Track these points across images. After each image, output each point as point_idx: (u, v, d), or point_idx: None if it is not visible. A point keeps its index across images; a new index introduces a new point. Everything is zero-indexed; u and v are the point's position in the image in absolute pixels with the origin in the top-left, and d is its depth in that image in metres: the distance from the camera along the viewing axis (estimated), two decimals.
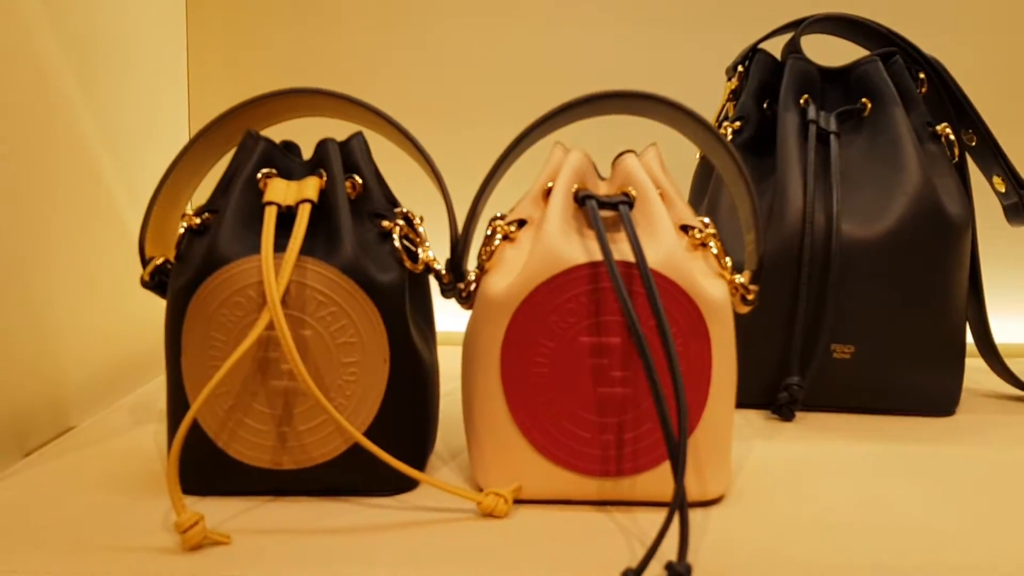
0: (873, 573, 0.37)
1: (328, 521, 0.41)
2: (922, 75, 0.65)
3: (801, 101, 0.64)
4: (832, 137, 0.61)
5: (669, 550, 0.36)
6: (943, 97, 0.65)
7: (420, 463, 0.47)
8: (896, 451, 0.54)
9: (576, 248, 0.43)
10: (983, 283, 0.66)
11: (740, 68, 0.67)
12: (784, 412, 0.59)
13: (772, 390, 0.60)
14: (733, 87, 0.67)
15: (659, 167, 0.47)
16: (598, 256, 0.42)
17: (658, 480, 0.43)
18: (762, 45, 0.67)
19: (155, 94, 0.76)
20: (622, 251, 0.43)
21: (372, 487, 0.44)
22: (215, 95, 0.85)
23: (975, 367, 0.70)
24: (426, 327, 0.49)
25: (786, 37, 0.67)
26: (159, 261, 0.46)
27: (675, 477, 0.38)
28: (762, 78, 0.66)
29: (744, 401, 0.62)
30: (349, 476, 0.44)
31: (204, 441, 0.43)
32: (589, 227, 0.44)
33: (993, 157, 0.66)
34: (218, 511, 0.42)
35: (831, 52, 0.68)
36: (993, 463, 0.52)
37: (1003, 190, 0.67)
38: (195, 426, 0.43)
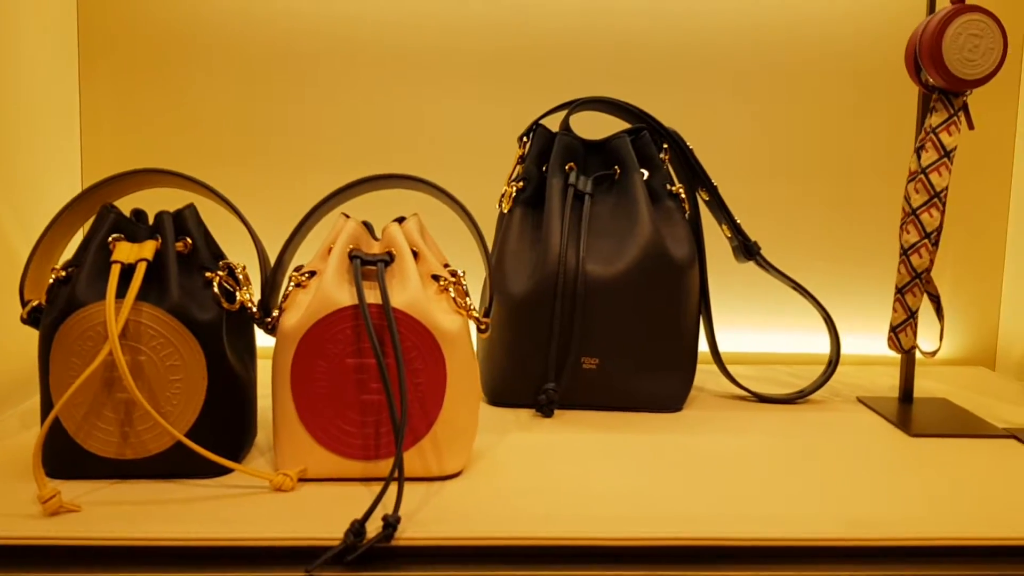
0: (538, 520, 0.54)
1: (157, 496, 0.57)
2: (665, 145, 0.83)
3: (567, 168, 0.81)
4: (587, 197, 0.79)
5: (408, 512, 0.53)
6: (682, 163, 0.84)
7: (238, 453, 0.63)
8: (623, 439, 0.72)
9: (344, 294, 0.59)
10: (712, 306, 0.84)
11: (525, 139, 0.84)
12: (544, 410, 0.77)
13: (538, 394, 0.77)
14: (521, 153, 0.84)
15: (418, 232, 0.64)
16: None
17: (406, 460, 0.60)
18: (543, 120, 0.84)
19: (48, 153, 0.89)
20: (378, 296, 0.59)
21: (196, 472, 0.60)
22: (105, 149, 0.99)
23: (714, 371, 0.88)
24: (244, 350, 0.64)
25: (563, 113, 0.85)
26: (35, 303, 0.61)
27: (395, 454, 0.55)
28: (541, 147, 0.83)
29: (518, 402, 0.79)
30: (178, 464, 0.59)
31: (66, 438, 0.58)
32: None
33: (720, 210, 0.84)
34: (75, 489, 0.57)
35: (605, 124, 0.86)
36: (692, 445, 0.70)
37: (729, 235, 0.86)
38: (59, 426, 0.58)
